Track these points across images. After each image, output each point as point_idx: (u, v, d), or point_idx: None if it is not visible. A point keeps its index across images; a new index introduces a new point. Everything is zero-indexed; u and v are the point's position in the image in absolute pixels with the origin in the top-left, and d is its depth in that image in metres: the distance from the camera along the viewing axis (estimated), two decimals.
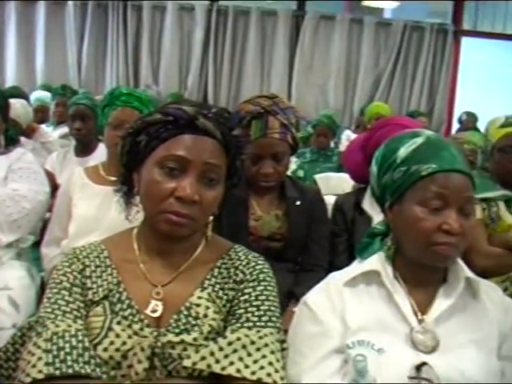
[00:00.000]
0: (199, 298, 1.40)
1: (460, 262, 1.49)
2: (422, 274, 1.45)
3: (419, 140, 1.45)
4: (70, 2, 7.73)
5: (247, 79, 7.94)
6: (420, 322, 1.41)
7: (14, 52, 7.74)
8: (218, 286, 1.44)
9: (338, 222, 2.60)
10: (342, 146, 6.01)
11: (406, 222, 1.42)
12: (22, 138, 4.13)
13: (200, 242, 1.50)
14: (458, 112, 7.95)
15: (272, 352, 1.33)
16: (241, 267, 1.46)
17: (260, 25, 7.95)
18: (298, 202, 2.44)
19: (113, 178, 2.60)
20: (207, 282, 1.44)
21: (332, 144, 5.84)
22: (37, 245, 2.66)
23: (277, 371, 1.30)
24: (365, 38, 8.04)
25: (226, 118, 1.44)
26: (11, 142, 2.85)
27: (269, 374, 1.29)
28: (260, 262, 1.49)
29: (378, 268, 1.46)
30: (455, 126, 7.88)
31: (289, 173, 3.45)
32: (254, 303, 1.40)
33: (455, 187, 1.37)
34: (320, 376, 1.36)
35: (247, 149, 2.37)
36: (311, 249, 2.44)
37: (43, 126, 5.32)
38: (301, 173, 3.48)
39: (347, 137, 6.63)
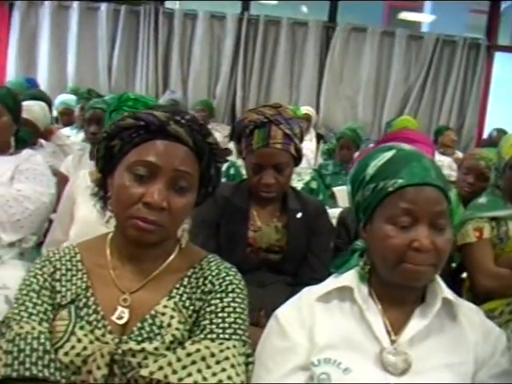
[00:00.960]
0: (165, 306, 1.38)
1: (439, 281, 1.44)
2: (398, 293, 1.41)
3: (388, 155, 1.41)
4: (102, 8, 7.81)
5: (276, 89, 7.90)
6: (393, 342, 1.36)
7: (46, 56, 7.83)
8: (185, 296, 1.42)
9: (341, 235, 2.57)
10: None
11: (376, 240, 1.38)
12: (43, 141, 4.18)
13: (173, 250, 1.48)
14: (488, 128, 7.82)
15: (232, 366, 1.30)
16: (210, 277, 1.44)
17: (290, 35, 7.90)
18: (299, 215, 2.40)
19: None
20: (175, 291, 1.42)
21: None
22: (40, 245, 2.67)
23: None
24: (396, 51, 7.94)
25: (200, 125, 1.42)
26: (22, 144, 2.88)
27: None
28: (231, 273, 1.47)
29: (351, 284, 1.43)
30: None
31: (302, 184, 3.45)
32: (220, 315, 1.37)
33: (424, 202, 1.33)
34: None
35: (249, 158, 2.37)
36: (310, 261, 2.40)
37: (64, 129, 5.38)
38: (314, 184, 3.43)
39: None
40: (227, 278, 1.44)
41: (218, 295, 1.41)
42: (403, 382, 1.31)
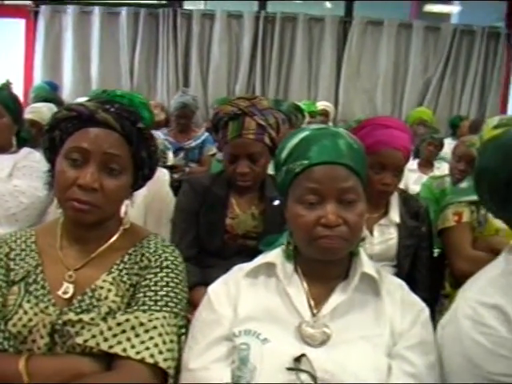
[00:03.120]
0: (104, 281, 1.50)
1: (362, 257, 1.51)
2: (320, 269, 1.48)
3: (299, 137, 1.48)
4: (123, 12, 7.98)
5: (295, 85, 7.98)
6: (314, 315, 1.43)
7: (70, 61, 8.03)
8: (124, 271, 1.53)
9: None
10: None
11: (290, 220, 1.46)
12: None
13: (116, 230, 1.60)
14: None
15: (160, 335, 1.41)
16: (147, 254, 1.55)
17: (307, 31, 7.98)
18: (277, 202, 2.48)
19: None
20: (115, 266, 1.54)
21: None
22: None
23: (161, 353, 1.39)
24: (413, 43, 7.96)
25: (130, 112, 1.53)
26: (23, 143, 3.02)
27: (152, 355, 1.38)
28: (168, 250, 1.58)
29: (275, 261, 1.50)
30: None
31: None
32: (153, 288, 1.49)
33: (329, 180, 1.39)
34: (206, 361, 1.42)
35: (225, 149, 2.47)
36: None
37: None
38: None
39: None
40: (163, 255, 1.56)
41: (153, 270, 1.52)
42: (320, 352, 1.38)
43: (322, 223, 1.38)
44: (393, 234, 2.55)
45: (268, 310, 1.45)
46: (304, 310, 1.44)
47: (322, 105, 7.15)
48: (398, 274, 2.57)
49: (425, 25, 8.03)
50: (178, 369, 1.46)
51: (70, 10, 8.03)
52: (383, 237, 2.54)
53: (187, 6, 8.20)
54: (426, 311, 1.50)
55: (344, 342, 1.40)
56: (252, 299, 1.47)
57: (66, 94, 7.81)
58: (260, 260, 1.54)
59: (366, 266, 1.49)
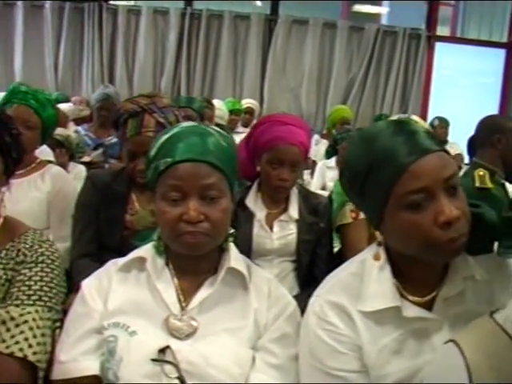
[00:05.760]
0: None
1: (231, 252, 1.55)
2: (189, 264, 1.51)
3: (167, 135, 1.50)
4: (47, 5, 7.85)
5: (220, 82, 8.01)
6: (183, 309, 1.47)
7: None
8: (0, 267, 1.54)
9: None
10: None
11: (157, 217, 1.49)
12: None
13: None
14: (431, 117, 7.97)
15: (31, 328, 1.44)
16: (23, 249, 1.57)
17: (233, 28, 8.02)
18: None
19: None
20: None
21: None
22: None
23: (30, 346, 1.42)
24: (338, 42, 8.09)
25: None
26: None
27: (21, 349, 1.40)
28: (45, 245, 1.60)
29: (146, 255, 1.54)
30: None
31: None
32: (27, 283, 1.51)
33: (191, 177, 1.42)
34: (75, 353, 1.44)
35: (125, 146, 2.49)
36: None
37: None
38: None
39: (315, 141, 6.67)
40: (39, 250, 1.57)
41: (28, 265, 1.54)
42: (184, 344, 1.42)
43: (184, 219, 1.41)
44: (292, 230, 2.61)
45: (137, 304, 1.48)
46: (172, 304, 1.47)
47: (247, 102, 7.19)
48: (298, 269, 2.64)
49: (349, 25, 8.18)
50: (52, 362, 1.48)
51: None
52: (283, 232, 2.60)
53: (113, 1, 8.14)
54: (293, 305, 1.55)
55: (209, 335, 1.44)
56: (122, 293, 1.50)
57: None
58: (132, 255, 1.57)
59: (234, 261, 1.53)
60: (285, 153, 2.50)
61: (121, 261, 1.58)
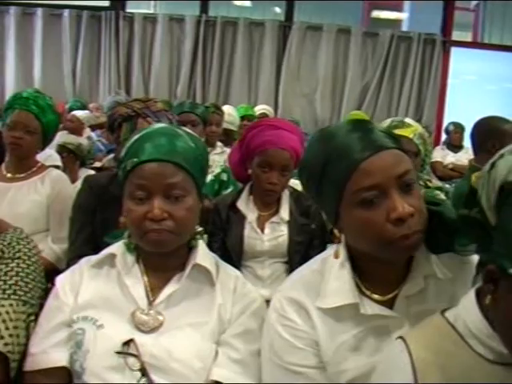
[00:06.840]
0: None
1: (200, 249, 1.59)
2: (158, 261, 1.55)
3: (137, 136, 1.54)
4: (65, 14, 8.00)
5: (235, 88, 8.08)
6: (151, 304, 1.51)
7: (13, 61, 8.05)
8: None
9: (215, 221, 2.70)
10: None
11: (125, 215, 1.53)
12: None
13: None
14: (447, 122, 7.94)
15: (3, 321, 1.49)
16: (1, 247, 1.62)
17: (247, 35, 8.10)
18: None
19: (9, 175, 2.80)
20: None
21: None
22: None
23: (2, 338, 1.47)
24: (352, 48, 8.11)
25: None
26: None
27: None
28: (22, 242, 1.65)
29: (116, 252, 1.57)
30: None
31: (211, 176, 3.61)
32: (3, 278, 1.56)
33: (155, 176, 1.45)
34: (46, 346, 1.49)
35: (119, 150, 2.54)
36: None
37: None
38: (224, 176, 3.57)
39: None
40: (17, 247, 1.63)
41: (5, 261, 1.59)
42: (148, 338, 1.46)
43: (149, 217, 1.44)
44: (283, 231, 2.64)
45: (106, 298, 1.52)
46: (140, 298, 1.51)
47: (261, 108, 7.22)
48: (290, 270, 2.67)
49: (363, 30, 8.20)
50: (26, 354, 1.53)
51: (13, 10, 8.04)
52: (273, 234, 2.63)
53: (129, 9, 8.25)
54: (258, 302, 1.58)
55: (174, 329, 1.48)
56: (92, 288, 1.54)
57: (8, 94, 7.76)
58: (104, 252, 1.62)
59: (200, 258, 1.56)
60: (275, 157, 2.53)
61: (94, 258, 1.62)
